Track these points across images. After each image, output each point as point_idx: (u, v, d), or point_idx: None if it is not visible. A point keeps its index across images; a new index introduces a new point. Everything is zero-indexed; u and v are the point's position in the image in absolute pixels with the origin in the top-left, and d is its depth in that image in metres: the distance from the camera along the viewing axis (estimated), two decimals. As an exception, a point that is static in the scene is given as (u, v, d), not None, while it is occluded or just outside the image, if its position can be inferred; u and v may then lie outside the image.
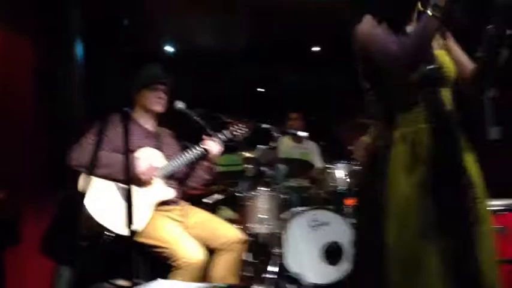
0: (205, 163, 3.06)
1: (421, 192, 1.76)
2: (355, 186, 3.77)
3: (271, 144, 2.80)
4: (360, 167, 3.70)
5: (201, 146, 2.99)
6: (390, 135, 1.89)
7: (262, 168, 2.85)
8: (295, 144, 5.03)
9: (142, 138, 2.96)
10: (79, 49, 3.72)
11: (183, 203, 3.06)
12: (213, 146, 2.99)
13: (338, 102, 6.30)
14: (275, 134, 2.83)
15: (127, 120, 2.89)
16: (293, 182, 4.69)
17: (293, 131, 2.99)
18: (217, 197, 4.22)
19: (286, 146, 5.01)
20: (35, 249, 3.04)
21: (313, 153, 5.02)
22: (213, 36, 5.43)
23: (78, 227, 2.69)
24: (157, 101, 3.01)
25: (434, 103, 1.87)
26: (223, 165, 5.93)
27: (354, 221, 3.74)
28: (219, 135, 3.03)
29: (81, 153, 2.72)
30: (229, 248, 2.92)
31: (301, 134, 2.86)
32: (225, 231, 2.96)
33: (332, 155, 4.50)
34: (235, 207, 4.18)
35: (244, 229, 3.74)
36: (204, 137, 2.99)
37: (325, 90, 6.42)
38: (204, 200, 4.12)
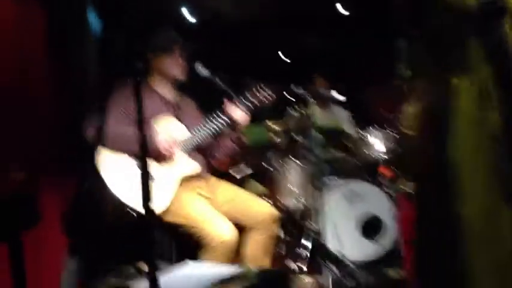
0: (231, 132, 2.81)
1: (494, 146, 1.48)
2: (403, 156, 3.49)
3: (303, 110, 2.50)
4: (408, 133, 3.43)
5: (225, 113, 2.72)
6: (446, 85, 1.61)
7: (294, 137, 2.56)
8: (323, 111, 4.72)
9: (160, 107, 2.74)
10: (93, 18, 3.45)
11: (210, 177, 2.82)
12: (236, 112, 2.72)
13: (367, 66, 5.93)
14: (307, 98, 2.52)
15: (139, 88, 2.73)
16: (325, 152, 4.42)
17: (329, 94, 2.66)
18: (245, 170, 3.97)
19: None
20: (55, 230, 2.85)
21: (342, 120, 4.71)
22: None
23: (100, 207, 2.49)
24: (176, 66, 2.77)
25: (497, 39, 1.57)
26: (247, 140, 5.79)
27: (391, 191, 3.60)
28: (243, 100, 2.75)
29: (97, 126, 2.51)
30: (261, 226, 2.70)
31: (338, 96, 2.53)
32: (258, 208, 2.73)
33: (363, 122, 4.20)
34: (264, 181, 3.92)
35: (275, 203, 3.57)
36: (226, 103, 2.71)
37: (353, 53, 6.04)
38: (231, 172, 3.86)
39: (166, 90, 2.82)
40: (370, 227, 3.51)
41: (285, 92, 2.64)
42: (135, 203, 2.44)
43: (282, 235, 3.57)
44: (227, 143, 2.86)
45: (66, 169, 2.98)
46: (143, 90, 2.69)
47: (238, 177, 3.87)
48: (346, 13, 5.87)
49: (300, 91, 2.59)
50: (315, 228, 3.49)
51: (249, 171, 3.97)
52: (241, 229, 2.67)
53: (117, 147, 2.52)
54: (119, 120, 2.55)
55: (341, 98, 2.71)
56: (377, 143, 3.79)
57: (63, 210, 2.88)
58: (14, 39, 2.84)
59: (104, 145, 2.51)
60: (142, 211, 2.43)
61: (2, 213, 2.31)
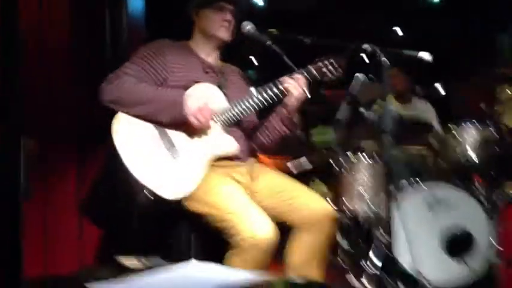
0: (283, 110, 2.27)
1: None
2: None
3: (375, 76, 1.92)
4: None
5: (278, 85, 2.19)
6: None
7: (361, 110, 1.97)
8: (402, 105, 4.06)
9: (199, 72, 2.29)
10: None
11: (253, 162, 2.30)
12: (294, 86, 2.18)
13: (453, 53, 5.25)
14: (384, 64, 1.89)
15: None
16: (405, 149, 3.77)
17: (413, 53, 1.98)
18: (304, 165, 3.41)
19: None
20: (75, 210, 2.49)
21: (427, 115, 4.03)
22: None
23: (117, 188, 2.05)
24: (222, 25, 2.30)
25: None
26: (315, 140, 5.28)
27: (487, 200, 2.90)
28: (304, 73, 2.21)
29: (116, 85, 2.09)
30: (313, 226, 2.16)
31: (423, 55, 1.86)
32: (309, 202, 2.19)
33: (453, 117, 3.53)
34: (329, 181, 3.37)
35: (339, 207, 3.08)
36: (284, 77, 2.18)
37: (435, 40, 5.38)
38: (288, 166, 3.32)
39: (208, 54, 2.36)
40: (458, 243, 2.83)
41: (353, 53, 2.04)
42: (153, 183, 1.97)
43: (345, 245, 2.99)
44: (276, 123, 2.32)
45: (89, 146, 2.61)
46: (181, 52, 2.28)
47: (295, 171, 3.32)
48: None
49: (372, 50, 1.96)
50: (386, 239, 2.90)
51: (309, 166, 3.40)
52: (285, 228, 2.12)
53: (138, 110, 2.07)
54: (141, 78, 2.11)
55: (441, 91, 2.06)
56: (470, 141, 3.11)
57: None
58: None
59: (120, 106, 2.06)
60: (161, 194, 2.02)
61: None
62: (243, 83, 2.47)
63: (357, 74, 2.02)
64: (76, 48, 2.62)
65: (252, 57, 5.96)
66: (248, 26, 2.29)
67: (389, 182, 2.22)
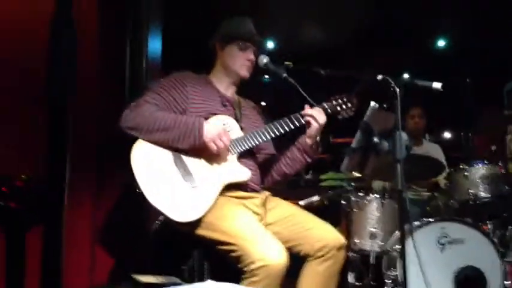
0: (306, 140, 2.30)
1: None
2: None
3: (388, 105, 1.95)
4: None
5: (301, 116, 2.23)
6: None
7: (374, 140, 1.99)
8: (415, 147, 4.07)
9: (218, 105, 2.32)
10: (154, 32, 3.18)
11: (265, 192, 2.32)
12: (317, 115, 2.23)
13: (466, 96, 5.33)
14: (393, 87, 1.92)
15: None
16: (415, 191, 3.77)
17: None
18: (314, 199, 3.41)
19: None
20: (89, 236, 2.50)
21: (437, 156, 4.03)
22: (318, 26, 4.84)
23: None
24: (245, 64, 2.35)
25: None
26: (326, 180, 5.30)
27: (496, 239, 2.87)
28: (319, 106, 2.26)
29: (137, 112, 2.13)
30: (325, 256, 2.14)
31: (436, 85, 1.91)
32: (321, 233, 2.18)
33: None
34: (337, 217, 3.35)
35: (350, 245, 3.08)
36: (306, 106, 2.23)
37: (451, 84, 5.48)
38: (300, 203, 3.33)
39: (227, 88, 2.41)
40: (469, 282, 2.78)
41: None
42: (166, 206, 1.99)
43: (353, 280, 2.94)
44: (298, 154, 2.36)
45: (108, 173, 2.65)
46: (201, 84, 2.32)
47: (303, 204, 3.31)
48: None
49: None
50: (396, 277, 2.85)
51: (316, 198, 3.39)
52: (298, 258, 2.11)
53: (158, 136, 2.11)
54: (162, 107, 2.17)
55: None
56: (481, 181, 3.11)
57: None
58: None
59: (141, 132, 2.11)
60: (172, 215, 2.03)
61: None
62: (258, 117, 2.51)
63: (371, 103, 2.06)
64: (99, 85, 2.70)
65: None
66: (265, 60, 2.34)
67: (404, 219, 2.20)
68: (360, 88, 2.13)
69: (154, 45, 3.17)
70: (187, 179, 2.09)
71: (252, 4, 4.67)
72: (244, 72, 2.36)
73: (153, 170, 2.07)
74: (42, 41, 2.47)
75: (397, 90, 1.94)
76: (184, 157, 2.13)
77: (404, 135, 1.91)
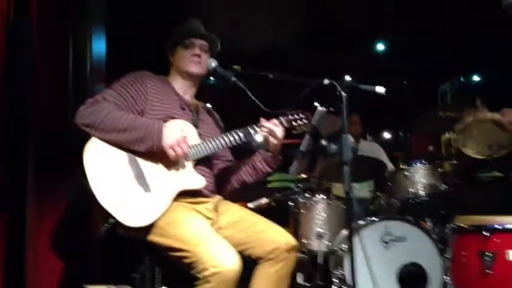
0: (270, 153, 2.32)
1: None
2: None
3: (333, 108, 2.00)
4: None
5: (254, 130, 2.24)
6: None
7: (322, 143, 2.04)
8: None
9: (177, 107, 2.29)
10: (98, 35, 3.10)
11: (216, 196, 2.31)
12: (274, 128, 2.25)
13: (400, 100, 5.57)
14: (339, 92, 1.96)
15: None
16: (360, 188, 3.88)
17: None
18: (262, 201, 3.44)
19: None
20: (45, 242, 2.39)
21: (377, 155, 4.18)
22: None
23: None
24: (192, 60, 2.33)
25: None
26: (273, 181, 5.36)
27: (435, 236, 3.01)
28: (276, 119, 2.29)
29: (94, 109, 2.06)
30: (276, 258, 2.16)
31: (379, 89, 1.98)
32: (273, 235, 2.20)
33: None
34: (285, 218, 3.39)
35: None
36: (261, 119, 2.25)
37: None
38: (249, 205, 3.34)
39: (185, 92, 2.39)
40: (411, 278, 2.90)
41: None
42: (118, 210, 1.95)
43: (302, 281, 2.98)
44: (261, 164, 2.36)
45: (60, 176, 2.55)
46: (161, 85, 2.28)
47: (252, 206, 3.33)
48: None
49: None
50: (343, 276, 2.92)
51: (265, 201, 3.43)
52: (249, 260, 2.12)
53: (114, 137, 2.05)
54: (120, 106, 2.11)
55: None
56: (421, 180, 3.25)
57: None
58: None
59: (96, 130, 2.05)
60: (124, 220, 1.98)
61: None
62: (216, 123, 2.50)
63: (318, 107, 2.11)
64: (41, 88, 2.59)
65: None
66: (213, 64, 2.33)
67: (351, 218, 2.26)
68: (306, 92, 2.16)
69: (98, 46, 3.09)
70: (140, 183, 2.04)
71: (196, 4, 4.66)
72: (193, 68, 2.33)
73: (105, 170, 2.01)
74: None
75: (343, 94, 1.99)
76: (139, 159, 2.09)
77: (350, 138, 1.96)
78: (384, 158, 4.23)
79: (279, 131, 2.26)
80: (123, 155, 2.07)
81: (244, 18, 4.90)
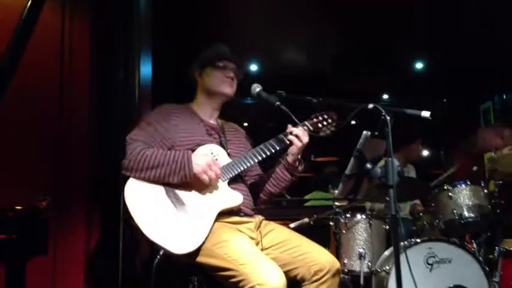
0: (288, 159, 2.36)
1: None
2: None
3: (379, 132, 2.01)
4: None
5: (284, 137, 2.30)
6: None
7: (366, 166, 2.05)
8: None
9: (203, 134, 2.35)
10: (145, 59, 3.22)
11: (259, 216, 2.36)
12: (301, 134, 2.29)
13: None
14: (383, 116, 1.98)
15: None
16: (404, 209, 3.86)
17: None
18: (304, 221, 3.46)
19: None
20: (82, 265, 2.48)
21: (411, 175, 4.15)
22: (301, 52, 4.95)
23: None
24: (225, 81, 2.39)
25: None
26: (312, 199, 5.36)
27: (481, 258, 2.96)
28: (304, 126, 2.33)
29: (127, 152, 2.14)
30: (321, 280, 2.17)
31: (425, 114, 2.01)
32: (318, 257, 2.21)
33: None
34: (326, 237, 3.40)
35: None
36: (288, 126, 2.30)
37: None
38: (290, 226, 3.36)
39: (210, 116, 2.45)
40: (458, 301, 2.84)
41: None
42: (164, 240, 2.02)
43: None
44: (282, 173, 2.41)
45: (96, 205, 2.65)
46: (185, 115, 2.35)
47: (293, 226, 3.36)
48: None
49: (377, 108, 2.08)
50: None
51: (306, 220, 3.45)
52: (293, 282, 2.15)
53: (149, 175, 2.13)
54: (149, 144, 2.20)
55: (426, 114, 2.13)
56: (465, 202, 3.20)
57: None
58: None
59: (133, 172, 2.14)
60: (171, 248, 2.05)
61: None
62: (243, 140, 2.54)
63: (364, 131, 2.13)
64: (93, 111, 2.71)
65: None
66: (257, 88, 2.38)
67: (397, 238, 2.25)
68: (351, 117, 2.19)
69: (146, 70, 3.21)
70: (181, 210, 2.11)
71: (235, 29, 4.78)
72: (227, 89, 2.39)
73: (147, 205, 2.09)
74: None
75: (388, 118, 2.01)
76: (176, 189, 2.15)
77: (395, 162, 1.97)
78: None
79: (304, 137, 2.29)
80: (161, 189, 2.14)
81: (283, 39, 4.99)
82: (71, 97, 2.67)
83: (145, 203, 2.10)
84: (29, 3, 2.06)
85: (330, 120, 2.38)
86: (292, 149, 2.33)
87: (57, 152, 2.59)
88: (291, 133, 2.30)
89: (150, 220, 2.05)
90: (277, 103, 2.31)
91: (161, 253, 2.03)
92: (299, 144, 2.29)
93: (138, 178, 2.14)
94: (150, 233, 2.01)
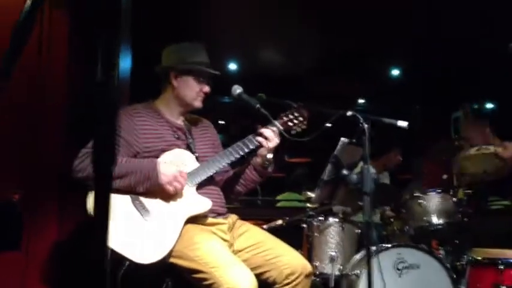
0: (258, 160, 2.37)
1: None
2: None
3: (356, 139, 2.04)
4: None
5: (253, 138, 2.31)
6: None
7: (343, 172, 2.08)
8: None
9: (170, 138, 2.32)
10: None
11: (233, 216, 2.36)
12: (270, 136, 2.29)
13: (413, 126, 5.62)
14: (361, 124, 2.01)
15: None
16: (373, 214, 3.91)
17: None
18: (277, 222, 3.48)
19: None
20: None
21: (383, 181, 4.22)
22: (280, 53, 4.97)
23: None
24: (200, 96, 2.37)
25: None
26: (284, 201, 5.39)
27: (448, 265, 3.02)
28: (275, 124, 2.34)
29: (89, 162, 2.07)
30: (292, 283, 2.21)
31: (402, 123, 2.06)
32: (290, 260, 2.23)
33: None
34: (298, 240, 3.42)
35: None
36: (258, 126, 2.31)
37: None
38: (264, 227, 3.38)
39: (177, 118, 2.40)
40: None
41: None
42: (130, 251, 2.00)
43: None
44: (252, 174, 2.42)
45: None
46: (150, 118, 2.30)
47: (266, 227, 3.37)
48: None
49: (350, 113, 2.10)
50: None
51: (279, 222, 3.47)
52: (265, 284, 2.17)
53: (115, 185, 2.06)
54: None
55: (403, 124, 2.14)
56: (435, 209, 3.28)
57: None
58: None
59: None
60: (138, 259, 1.98)
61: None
62: (211, 135, 2.52)
63: (342, 138, 2.16)
64: (68, 104, 2.66)
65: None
66: (238, 90, 2.38)
67: (369, 243, 2.30)
68: (328, 124, 2.22)
69: (124, 65, 3.16)
70: (148, 219, 2.10)
71: (214, 26, 4.75)
72: (199, 104, 2.38)
73: (112, 216, 2.06)
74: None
75: (366, 126, 2.05)
76: (142, 198, 2.14)
77: (371, 169, 2.01)
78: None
79: (274, 139, 2.30)
80: (126, 197, 2.12)
81: (261, 43, 5.01)
82: (46, 87, 2.60)
83: (111, 213, 2.06)
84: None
85: (301, 118, 2.39)
86: (262, 151, 2.34)
87: (29, 144, 2.52)
88: (260, 134, 2.31)
89: (115, 230, 2.01)
90: (258, 106, 2.32)
91: (127, 263, 2.00)
92: (268, 145, 2.30)
93: None
94: (114, 243, 1.96)
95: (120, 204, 2.10)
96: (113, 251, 1.94)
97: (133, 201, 2.12)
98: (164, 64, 2.39)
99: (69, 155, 2.57)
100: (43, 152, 2.55)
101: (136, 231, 2.05)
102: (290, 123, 2.38)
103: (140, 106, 2.34)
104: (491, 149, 2.77)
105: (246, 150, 2.31)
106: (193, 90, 2.35)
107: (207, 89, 2.37)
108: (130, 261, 1.99)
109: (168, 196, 2.16)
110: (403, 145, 4.41)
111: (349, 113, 2.09)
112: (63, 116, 2.67)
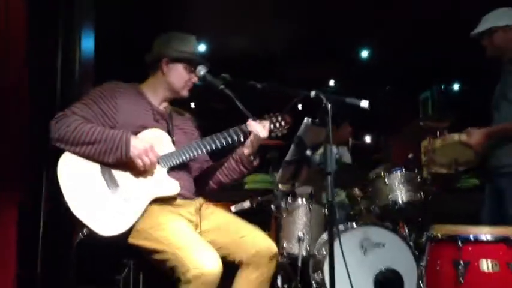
0: (244, 151, 2.37)
1: None
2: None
3: (319, 119, 2.04)
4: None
5: (239, 131, 2.30)
6: None
7: (306, 153, 2.09)
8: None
9: (150, 120, 2.31)
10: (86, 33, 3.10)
11: (199, 199, 2.36)
12: (261, 130, 2.29)
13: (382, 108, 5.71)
14: (324, 104, 2.00)
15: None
16: (339, 194, 3.96)
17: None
18: (245, 204, 3.49)
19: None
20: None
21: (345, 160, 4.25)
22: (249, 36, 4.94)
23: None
24: (188, 85, 2.38)
25: None
26: (254, 183, 5.41)
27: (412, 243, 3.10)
28: (262, 122, 2.33)
29: (63, 123, 2.08)
30: (258, 264, 2.20)
31: (364, 104, 2.05)
32: (255, 241, 2.24)
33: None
34: (266, 221, 3.45)
35: (279, 249, 3.06)
36: (249, 120, 2.29)
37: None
38: (232, 208, 3.39)
39: (160, 103, 2.40)
40: (388, 283, 2.98)
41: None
42: (92, 221, 1.98)
43: (281, 284, 3.04)
44: (236, 165, 2.41)
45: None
46: (133, 97, 2.30)
47: (233, 209, 3.39)
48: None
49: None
50: (321, 280, 3.00)
51: (247, 204, 3.49)
52: (231, 265, 2.17)
53: (86, 150, 2.08)
54: (89, 119, 2.14)
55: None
56: (400, 188, 3.34)
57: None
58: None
59: (68, 145, 2.08)
60: (98, 230, 1.98)
61: None
62: (192, 128, 2.53)
63: (305, 119, 2.16)
64: (29, 85, 2.60)
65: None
66: (203, 70, 2.36)
67: (332, 223, 2.31)
68: (293, 104, 2.22)
69: (87, 45, 3.10)
70: (114, 192, 2.08)
71: (183, 7, 4.69)
72: (186, 93, 2.39)
73: (79, 182, 2.04)
74: None
75: (328, 106, 2.05)
76: (112, 170, 2.12)
77: (334, 149, 2.02)
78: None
79: (264, 133, 2.30)
80: (96, 167, 2.10)
81: (231, 25, 4.96)
82: (4, 68, 2.53)
83: (76, 177, 2.05)
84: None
85: (283, 123, 2.40)
86: (249, 143, 2.34)
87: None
88: (249, 131, 2.30)
89: (78, 196, 2.01)
90: (222, 86, 2.30)
91: (85, 232, 1.98)
92: (256, 137, 2.31)
93: (73, 152, 2.08)
94: (77, 210, 1.97)
95: (88, 172, 2.08)
96: (72, 215, 1.95)
97: (102, 172, 2.10)
98: (156, 51, 2.38)
99: (27, 138, 2.53)
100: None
101: (100, 202, 2.03)
102: (273, 126, 2.38)
103: (125, 84, 2.34)
104: (456, 137, 2.80)
105: (230, 140, 2.29)
106: (183, 79, 2.36)
107: (195, 79, 2.37)
108: (89, 229, 1.97)
109: (138, 173, 2.14)
110: (358, 121, 4.44)
111: (312, 94, 2.09)
112: (22, 98, 2.61)
